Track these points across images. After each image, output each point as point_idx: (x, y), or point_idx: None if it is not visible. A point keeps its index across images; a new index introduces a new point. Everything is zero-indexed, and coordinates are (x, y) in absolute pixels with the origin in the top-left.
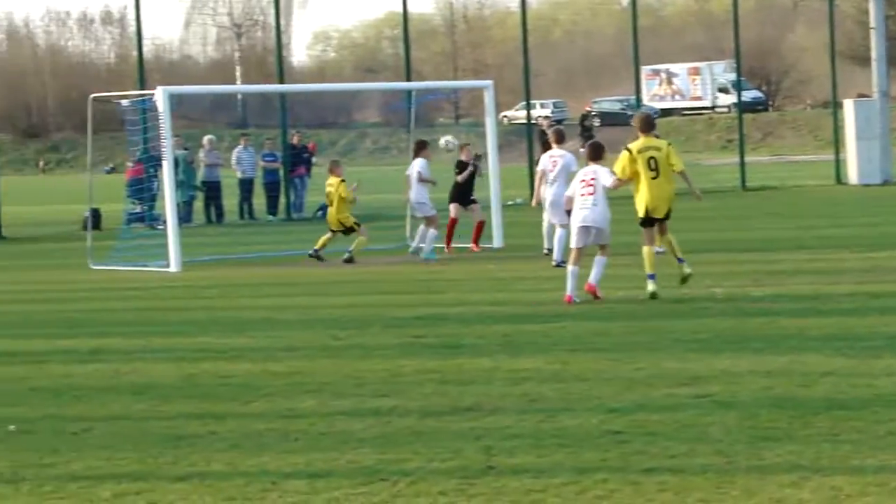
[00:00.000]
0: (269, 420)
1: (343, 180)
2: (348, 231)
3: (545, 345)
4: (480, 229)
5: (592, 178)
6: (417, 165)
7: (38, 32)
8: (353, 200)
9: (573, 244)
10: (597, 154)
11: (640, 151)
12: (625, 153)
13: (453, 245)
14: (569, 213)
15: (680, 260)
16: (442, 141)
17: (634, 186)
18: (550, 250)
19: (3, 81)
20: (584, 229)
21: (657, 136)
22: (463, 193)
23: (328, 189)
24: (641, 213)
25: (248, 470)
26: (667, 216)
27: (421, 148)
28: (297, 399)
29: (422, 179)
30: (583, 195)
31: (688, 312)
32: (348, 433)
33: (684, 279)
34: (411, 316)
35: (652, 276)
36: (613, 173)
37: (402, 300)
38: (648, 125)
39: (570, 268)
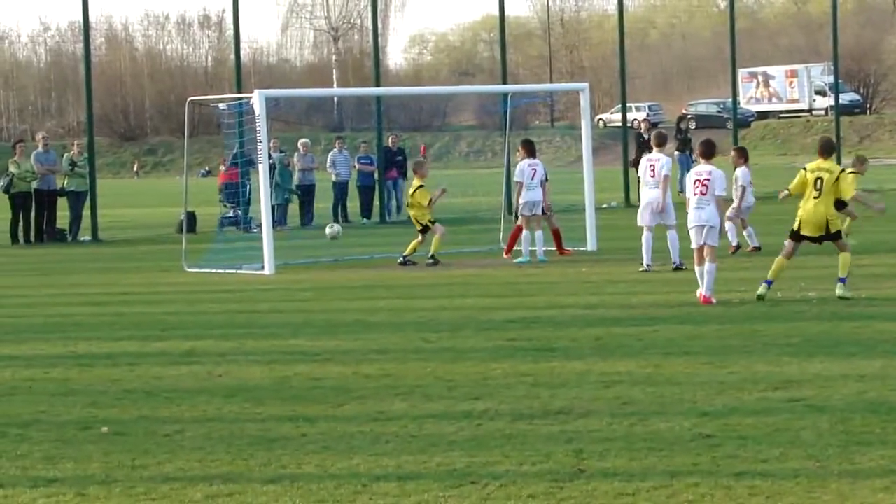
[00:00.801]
0: (360, 423)
1: (421, 185)
2: (424, 230)
3: (637, 348)
4: (559, 235)
5: (706, 179)
6: (544, 167)
7: (137, 36)
8: (427, 204)
9: (693, 244)
10: (709, 151)
11: (812, 171)
12: (801, 171)
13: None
14: None
15: (841, 279)
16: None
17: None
18: (650, 267)
19: (102, 85)
20: (699, 228)
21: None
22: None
23: (411, 190)
24: (794, 226)
25: (339, 472)
26: (834, 236)
27: (535, 149)
28: (388, 402)
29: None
30: (695, 195)
31: (781, 316)
32: (439, 436)
33: (841, 298)
34: (503, 319)
35: (769, 283)
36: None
37: (493, 303)
38: (827, 150)
39: (697, 268)
